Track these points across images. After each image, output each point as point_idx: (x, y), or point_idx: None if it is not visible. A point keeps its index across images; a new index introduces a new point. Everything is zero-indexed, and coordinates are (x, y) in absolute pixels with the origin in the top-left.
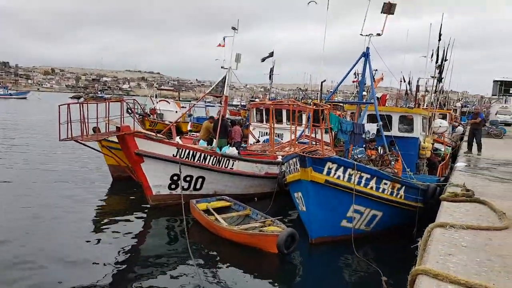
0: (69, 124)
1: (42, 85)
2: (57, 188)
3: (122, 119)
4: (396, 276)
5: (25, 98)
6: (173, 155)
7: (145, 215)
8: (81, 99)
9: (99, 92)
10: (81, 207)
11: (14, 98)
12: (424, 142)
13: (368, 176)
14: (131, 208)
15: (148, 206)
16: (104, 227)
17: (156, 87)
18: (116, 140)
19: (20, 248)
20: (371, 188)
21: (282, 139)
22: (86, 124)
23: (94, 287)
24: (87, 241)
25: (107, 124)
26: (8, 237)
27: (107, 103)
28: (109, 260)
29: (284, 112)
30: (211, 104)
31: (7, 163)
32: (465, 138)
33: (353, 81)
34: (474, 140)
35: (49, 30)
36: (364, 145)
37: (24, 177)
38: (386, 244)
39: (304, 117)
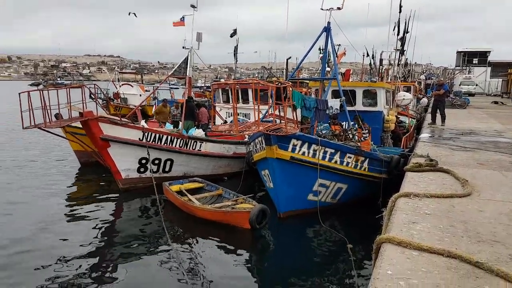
0: (31, 111)
1: None
2: (23, 177)
3: (84, 104)
4: (362, 244)
5: None
6: (139, 139)
7: (116, 199)
8: (40, 86)
9: (58, 79)
10: (50, 194)
11: None
12: (388, 115)
13: (332, 150)
14: (102, 193)
15: (119, 190)
16: (75, 213)
17: (117, 71)
18: (80, 126)
19: None
20: (336, 162)
21: (249, 119)
22: (48, 111)
23: (68, 276)
24: (59, 229)
25: (69, 110)
26: None
27: (68, 89)
28: (84, 246)
29: (250, 92)
30: (175, 86)
31: None
32: (429, 109)
33: (320, 58)
34: (438, 111)
35: (2, 16)
36: (329, 121)
37: None
38: (352, 215)
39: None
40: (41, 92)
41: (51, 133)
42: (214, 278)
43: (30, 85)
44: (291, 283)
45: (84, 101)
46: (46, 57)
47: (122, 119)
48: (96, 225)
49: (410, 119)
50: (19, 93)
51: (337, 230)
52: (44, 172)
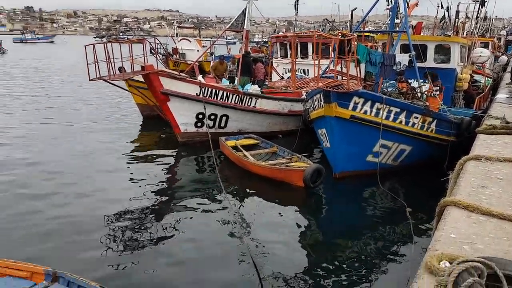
0: (96, 64)
1: (66, 28)
2: (88, 128)
3: (145, 59)
4: (422, 210)
5: (52, 42)
6: (197, 94)
7: (175, 152)
8: (104, 39)
9: (120, 34)
10: (112, 145)
11: (43, 42)
12: (461, 74)
13: (398, 110)
14: (162, 145)
15: (178, 143)
16: (135, 165)
17: (176, 26)
18: (142, 80)
19: (60, 183)
20: (400, 122)
21: (308, 75)
22: (112, 63)
23: (127, 220)
24: (119, 179)
25: (132, 64)
26: (49, 176)
27: (130, 43)
28: (141, 198)
29: (310, 46)
30: (232, 41)
31: (41, 107)
32: (509, 68)
33: (386, 9)
34: None
35: None
36: (395, 78)
37: (60, 118)
38: (413, 178)
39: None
40: (105, 45)
41: (115, 85)
42: (266, 233)
43: (95, 37)
44: (343, 245)
45: (145, 55)
46: (109, 12)
47: (181, 74)
48: (155, 176)
49: (486, 78)
50: (85, 46)
51: (396, 194)
52: (107, 125)
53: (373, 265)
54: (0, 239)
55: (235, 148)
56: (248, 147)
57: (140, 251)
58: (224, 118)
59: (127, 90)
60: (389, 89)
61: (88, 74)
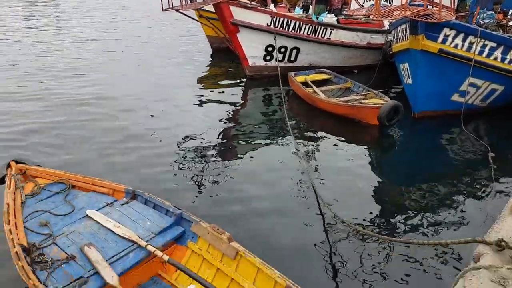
0: None
1: None
2: (158, 58)
3: None
4: (506, 155)
5: None
6: (267, 24)
7: (243, 86)
8: None
9: None
10: (181, 76)
11: None
12: None
13: (494, 44)
14: (229, 78)
15: (246, 76)
16: (202, 97)
17: None
18: (213, 10)
19: (132, 113)
20: (495, 58)
21: (391, 4)
22: None
23: (192, 152)
24: (189, 109)
25: None
26: (122, 107)
27: None
28: (208, 128)
29: None
30: None
31: (114, 36)
32: None
33: None
34: None
35: None
36: (492, 8)
37: (130, 52)
38: (500, 123)
39: None
40: None
41: (187, 16)
42: (331, 173)
43: None
44: (416, 187)
45: None
46: None
47: (252, 2)
48: (222, 110)
49: None
50: None
51: (480, 137)
52: (176, 58)
53: (449, 208)
54: (88, 162)
55: (305, 83)
56: (319, 83)
57: (205, 182)
58: (294, 51)
59: (198, 21)
60: (486, 21)
61: (161, 4)
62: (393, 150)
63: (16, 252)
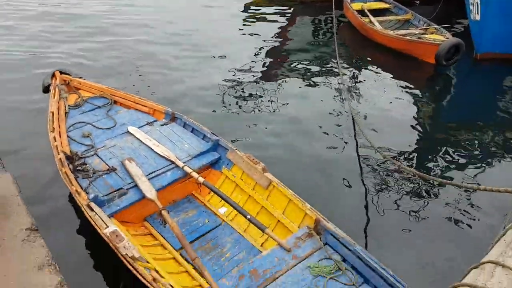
0: None
1: None
2: None
3: None
4: None
5: None
6: None
7: (291, 11)
8: None
9: None
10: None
11: None
12: None
13: None
14: (278, 2)
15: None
16: (251, 22)
17: None
18: None
19: (179, 44)
20: None
21: None
22: None
23: (241, 79)
24: (237, 35)
25: None
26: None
27: None
28: (256, 54)
29: None
30: None
31: None
32: None
33: None
34: None
35: None
36: None
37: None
38: None
39: None
40: None
41: None
42: (377, 108)
43: None
44: (465, 132)
45: None
46: None
47: None
48: (271, 36)
49: None
50: None
51: None
52: None
53: (500, 157)
54: (136, 83)
55: (360, 12)
56: (376, 12)
57: (249, 110)
58: None
59: None
60: None
61: None
62: (446, 92)
63: (60, 159)
